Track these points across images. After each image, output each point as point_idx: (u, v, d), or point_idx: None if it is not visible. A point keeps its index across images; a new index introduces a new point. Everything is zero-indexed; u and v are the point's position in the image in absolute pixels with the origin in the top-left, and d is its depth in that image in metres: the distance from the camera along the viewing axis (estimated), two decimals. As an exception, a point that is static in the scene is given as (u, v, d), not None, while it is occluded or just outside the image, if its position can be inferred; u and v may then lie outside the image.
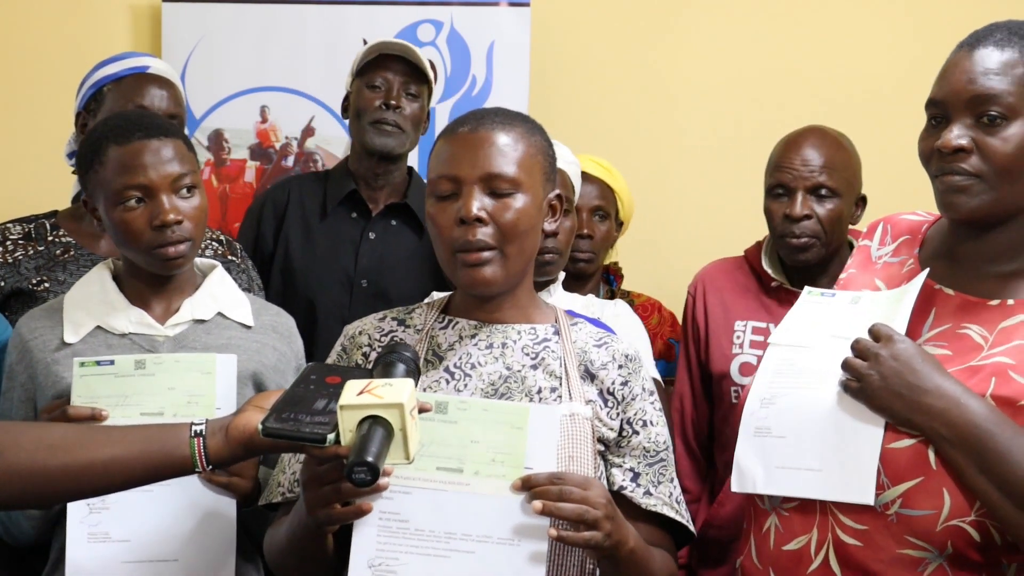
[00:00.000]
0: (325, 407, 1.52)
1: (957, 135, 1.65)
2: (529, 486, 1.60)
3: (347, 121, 2.93)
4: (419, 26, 3.44)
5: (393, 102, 2.79)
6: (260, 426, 1.49)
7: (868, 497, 1.61)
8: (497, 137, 1.77)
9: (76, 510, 1.90)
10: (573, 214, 2.62)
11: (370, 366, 1.81)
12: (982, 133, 1.65)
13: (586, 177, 2.85)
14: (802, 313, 1.83)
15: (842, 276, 1.93)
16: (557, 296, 2.56)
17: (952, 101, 1.67)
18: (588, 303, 2.62)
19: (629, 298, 2.98)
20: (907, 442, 1.61)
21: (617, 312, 2.66)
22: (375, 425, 1.46)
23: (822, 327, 1.78)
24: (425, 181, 2.93)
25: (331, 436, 1.48)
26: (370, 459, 1.42)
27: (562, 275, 2.64)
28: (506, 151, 1.76)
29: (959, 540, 1.60)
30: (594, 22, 3.55)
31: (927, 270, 1.73)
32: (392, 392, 1.49)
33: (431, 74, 2.88)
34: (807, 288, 1.89)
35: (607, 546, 1.63)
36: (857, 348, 1.66)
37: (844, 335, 1.72)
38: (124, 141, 2.01)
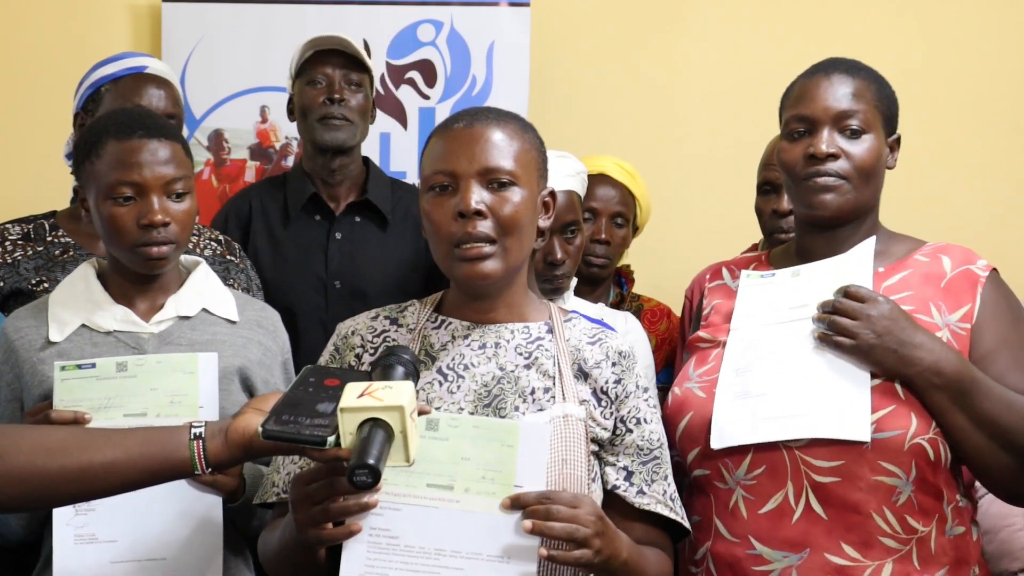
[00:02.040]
0: (325, 410, 1.52)
1: (828, 143, 1.98)
2: (518, 505, 1.60)
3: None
4: (419, 26, 3.45)
5: (337, 96, 2.78)
6: (260, 428, 1.49)
7: (865, 434, 1.82)
8: (493, 132, 1.78)
9: (62, 513, 1.90)
10: (582, 233, 2.58)
11: (363, 366, 1.82)
12: (845, 142, 1.98)
13: (608, 181, 2.83)
14: (750, 297, 2.06)
15: (706, 311, 2.14)
16: (570, 303, 2.55)
17: (820, 116, 2.00)
18: (599, 312, 2.59)
19: (639, 302, 2.95)
20: (876, 381, 1.87)
21: (628, 329, 2.63)
22: (376, 428, 1.46)
23: (776, 304, 2.00)
24: (381, 170, 2.92)
25: (331, 438, 1.48)
26: (371, 461, 1.42)
27: (574, 280, 2.62)
28: (502, 146, 1.77)
29: (920, 458, 1.84)
30: (594, 22, 3.55)
31: (873, 236, 2.00)
32: (392, 395, 1.49)
33: (369, 61, 2.86)
34: (744, 272, 2.11)
35: (598, 563, 1.63)
36: (843, 308, 1.88)
37: (801, 304, 1.96)
38: (124, 137, 2.02)
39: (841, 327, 1.87)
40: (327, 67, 2.81)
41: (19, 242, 2.43)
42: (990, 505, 2.35)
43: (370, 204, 2.83)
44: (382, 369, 1.59)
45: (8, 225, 2.48)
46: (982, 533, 2.35)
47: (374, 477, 1.43)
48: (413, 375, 1.60)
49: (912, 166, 3.49)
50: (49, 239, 2.44)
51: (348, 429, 1.48)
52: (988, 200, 3.53)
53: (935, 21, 3.55)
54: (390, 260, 2.79)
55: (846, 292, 1.89)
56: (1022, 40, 3.57)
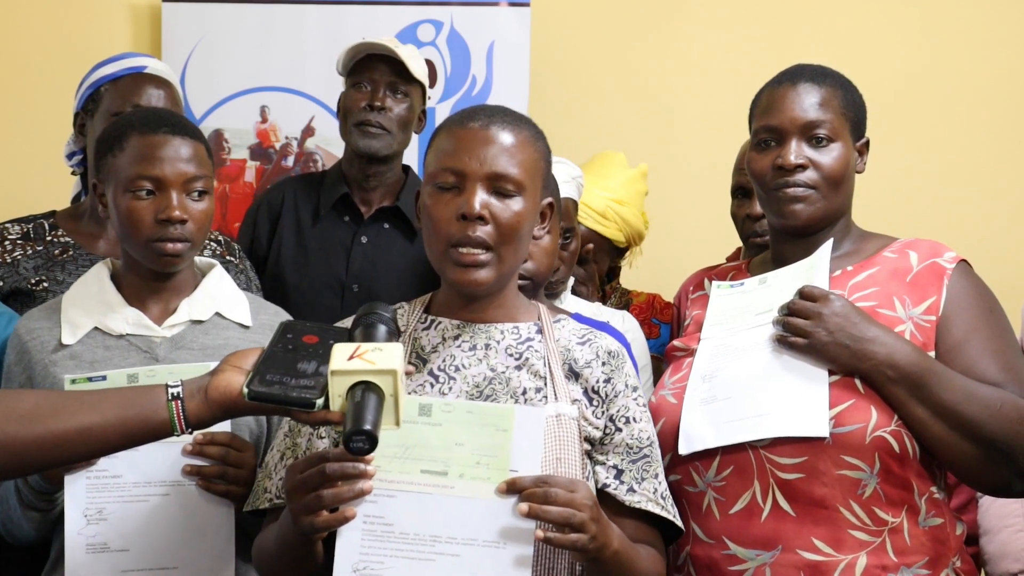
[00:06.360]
0: (309, 370, 1.48)
1: (796, 154, 2.00)
2: (515, 489, 1.59)
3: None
4: (419, 26, 3.45)
5: (378, 103, 2.74)
6: (245, 389, 1.46)
7: (823, 430, 1.85)
8: (506, 137, 1.76)
9: (73, 521, 1.89)
10: (578, 238, 2.57)
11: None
12: (813, 151, 2.01)
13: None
14: (720, 306, 2.09)
15: (685, 323, 2.18)
16: (567, 303, 2.55)
17: (788, 127, 2.02)
18: (596, 312, 2.60)
19: (628, 297, 2.96)
20: (834, 377, 1.89)
21: (625, 329, 2.62)
22: (368, 392, 1.44)
23: (743, 311, 2.03)
24: (420, 181, 2.91)
25: (319, 401, 1.45)
26: (368, 427, 1.40)
27: (571, 280, 2.62)
28: (514, 152, 1.76)
29: (883, 452, 1.86)
30: (594, 22, 3.55)
31: (831, 239, 2.02)
32: (384, 357, 1.45)
33: (419, 73, 2.82)
34: (715, 283, 2.13)
35: (592, 548, 1.63)
36: (796, 309, 1.91)
37: (766, 310, 1.99)
38: (148, 132, 2.02)
39: (795, 327, 1.90)
40: (375, 72, 2.77)
41: (18, 241, 2.43)
42: (990, 505, 2.35)
43: (400, 212, 2.81)
44: (364, 328, 1.55)
45: (8, 224, 2.48)
46: (983, 533, 2.35)
47: (371, 443, 1.40)
48: (395, 333, 1.56)
49: (915, 168, 3.51)
50: (49, 239, 2.44)
51: (337, 391, 1.45)
52: (990, 200, 3.52)
53: (938, 29, 3.55)
54: (413, 270, 2.76)
55: (800, 293, 1.93)
56: None
